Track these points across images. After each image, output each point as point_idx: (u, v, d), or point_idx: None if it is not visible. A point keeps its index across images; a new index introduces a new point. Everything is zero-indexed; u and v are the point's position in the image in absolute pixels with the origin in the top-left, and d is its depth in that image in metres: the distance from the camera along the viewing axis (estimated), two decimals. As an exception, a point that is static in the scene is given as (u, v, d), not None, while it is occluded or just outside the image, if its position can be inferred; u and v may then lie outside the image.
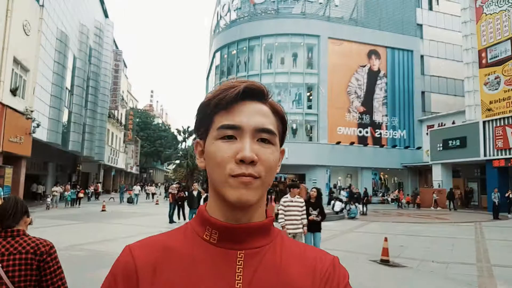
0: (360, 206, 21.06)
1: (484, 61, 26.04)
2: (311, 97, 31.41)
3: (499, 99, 24.66)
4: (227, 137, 0.72)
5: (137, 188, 28.28)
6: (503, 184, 22.82)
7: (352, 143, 30.78)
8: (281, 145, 0.80)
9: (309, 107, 30.90)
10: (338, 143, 30.02)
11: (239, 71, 33.42)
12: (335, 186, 30.63)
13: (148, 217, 18.07)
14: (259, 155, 0.70)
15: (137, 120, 61.15)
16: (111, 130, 40.91)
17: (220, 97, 0.73)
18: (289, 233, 6.69)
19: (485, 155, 23.87)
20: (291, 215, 6.86)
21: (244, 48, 33.25)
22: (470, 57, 26.53)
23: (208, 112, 0.75)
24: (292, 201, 6.95)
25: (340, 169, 31.58)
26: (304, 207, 7.03)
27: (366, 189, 25.78)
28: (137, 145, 57.41)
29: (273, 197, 17.83)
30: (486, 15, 26.15)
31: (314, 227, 7.42)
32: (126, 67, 50.48)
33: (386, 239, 8.24)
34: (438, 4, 36.51)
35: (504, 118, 23.13)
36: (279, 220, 7.07)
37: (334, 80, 30.86)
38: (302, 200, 7.08)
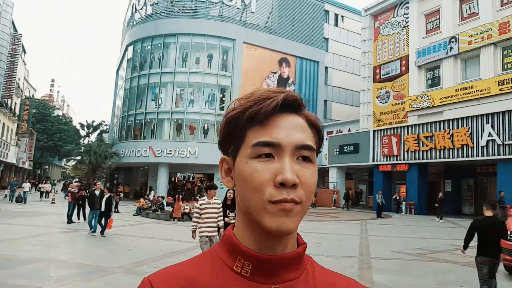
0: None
1: (377, 77, 29.35)
2: (224, 99, 32.02)
3: (388, 111, 28.06)
4: (264, 155, 0.63)
5: (27, 186, 25.81)
6: (387, 186, 26.01)
7: (260, 145, 32.07)
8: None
9: (222, 108, 31.45)
10: (247, 144, 31.03)
11: (153, 67, 32.64)
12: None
13: (43, 217, 16.77)
14: (300, 177, 0.62)
15: (34, 110, 55.48)
16: (3, 120, 36.98)
17: (254, 110, 0.64)
18: (206, 236, 6.51)
19: (373, 160, 26.75)
20: (207, 217, 6.59)
21: (159, 44, 32.56)
22: (366, 72, 29.68)
23: (240, 126, 0.66)
24: (209, 203, 6.72)
25: (249, 170, 32.66)
26: (221, 209, 6.87)
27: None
28: (32, 138, 52.23)
29: (180, 196, 17.93)
30: (382, 35, 29.49)
31: None
32: (25, 52, 45.62)
33: (283, 236, 9.03)
34: (343, 21, 40.05)
35: (390, 128, 26.13)
36: (192, 224, 6.94)
37: (246, 83, 31.85)
38: (219, 202, 6.90)
